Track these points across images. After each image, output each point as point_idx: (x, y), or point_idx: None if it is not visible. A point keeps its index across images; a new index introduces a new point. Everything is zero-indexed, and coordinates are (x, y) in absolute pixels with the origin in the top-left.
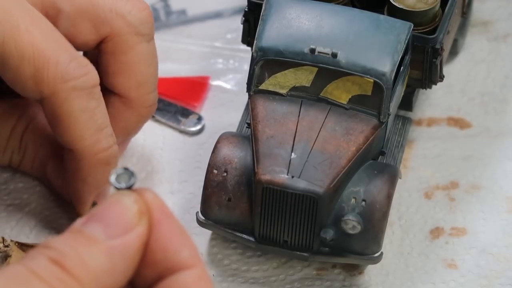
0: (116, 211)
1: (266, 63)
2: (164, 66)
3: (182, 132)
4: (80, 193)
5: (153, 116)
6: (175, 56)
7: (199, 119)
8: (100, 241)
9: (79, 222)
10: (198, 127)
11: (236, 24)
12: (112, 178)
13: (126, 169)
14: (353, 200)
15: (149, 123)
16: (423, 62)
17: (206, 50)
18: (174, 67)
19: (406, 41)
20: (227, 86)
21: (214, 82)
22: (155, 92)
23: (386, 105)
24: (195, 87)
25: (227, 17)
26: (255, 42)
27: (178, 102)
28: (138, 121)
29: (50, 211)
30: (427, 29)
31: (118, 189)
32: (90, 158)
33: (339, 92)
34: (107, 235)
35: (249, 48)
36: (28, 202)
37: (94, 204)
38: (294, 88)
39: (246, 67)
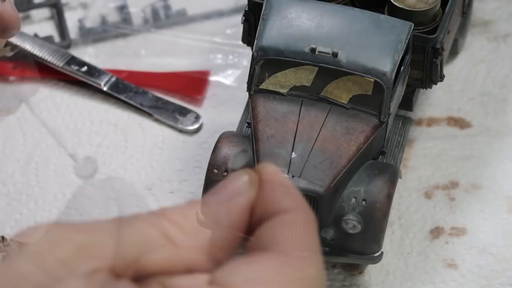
0: (228, 184)
1: (266, 63)
2: (164, 60)
3: (182, 131)
4: None
5: (151, 115)
6: (175, 51)
7: (197, 117)
8: (206, 202)
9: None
10: (196, 126)
11: (236, 20)
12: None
13: (243, 150)
14: (353, 199)
15: (148, 123)
16: (424, 62)
17: (205, 46)
18: (174, 61)
19: (407, 41)
20: (227, 81)
21: (213, 78)
22: None
23: (386, 105)
24: (196, 81)
25: (227, 13)
26: (255, 41)
27: (179, 95)
28: None
29: (49, 211)
30: (428, 29)
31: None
32: None
33: (340, 91)
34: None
35: None
36: (27, 202)
37: (8, 45)
38: (294, 88)
39: (246, 62)
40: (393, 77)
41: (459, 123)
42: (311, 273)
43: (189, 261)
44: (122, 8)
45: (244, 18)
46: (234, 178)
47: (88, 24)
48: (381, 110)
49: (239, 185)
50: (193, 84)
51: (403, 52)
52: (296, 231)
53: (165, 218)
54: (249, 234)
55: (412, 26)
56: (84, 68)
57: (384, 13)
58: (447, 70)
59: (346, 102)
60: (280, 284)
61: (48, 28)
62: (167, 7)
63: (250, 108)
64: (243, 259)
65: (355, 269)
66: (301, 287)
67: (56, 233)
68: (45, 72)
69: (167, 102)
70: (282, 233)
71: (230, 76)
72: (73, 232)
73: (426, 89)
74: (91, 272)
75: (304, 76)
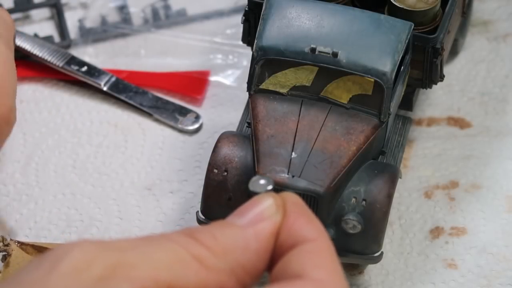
0: (254, 206)
1: (266, 63)
2: (164, 60)
3: (182, 131)
4: None
5: (151, 115)
6: (174, 51)
7: (197, 117)
8: (234, 225)
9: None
10: (196, 125)
11: (236, 20)
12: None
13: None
14: (353, 199)
15: (148, 123)
16: (424, 61)
17: (205, 46)
18: (174, 62)
19: (407, 41)
20: (227, 82)
21: (213, 78)
22: (13, 103)
23: (386, 105)
24: (196, 81)
25: (227, 13)
26: (255, 41)
27: (179, 95)
28: None
29: (49, 211)
30: (428, 29)
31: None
32: None
33: (340, 91)
34: (243, 222)
35: None
36: (27, 202)
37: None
38: (294, 88)
39: (246, 62)
40: (393, 77)
41: (459, 123)
42: None
43: (219, 284)
44: (122, 8)
45: (244, 18)
46: (259, 201)
47: (88, 24)
48: (381, 110)
49: (265, 208)
50: (193, 84)
51: (403, 52)
52: (324, 258)
53: (193, 239)
54: (272, 260)
55: (412, 26)
56: (84, 68)
57: (384, 13)
58: (447, 70)
59: (346, 102)
60: None
61: (48, 28)
62: (167, 7)
63: (250, 108)
64: (277, 286)
65: (355, 269)
66: None
67: (89, 251)
68: (45, 72)
69: (167, 102)
70: (312, 260)
71: (230, 76)
72: (105, 250)
73: (426, 89)
74: None
75: (304, 76)
